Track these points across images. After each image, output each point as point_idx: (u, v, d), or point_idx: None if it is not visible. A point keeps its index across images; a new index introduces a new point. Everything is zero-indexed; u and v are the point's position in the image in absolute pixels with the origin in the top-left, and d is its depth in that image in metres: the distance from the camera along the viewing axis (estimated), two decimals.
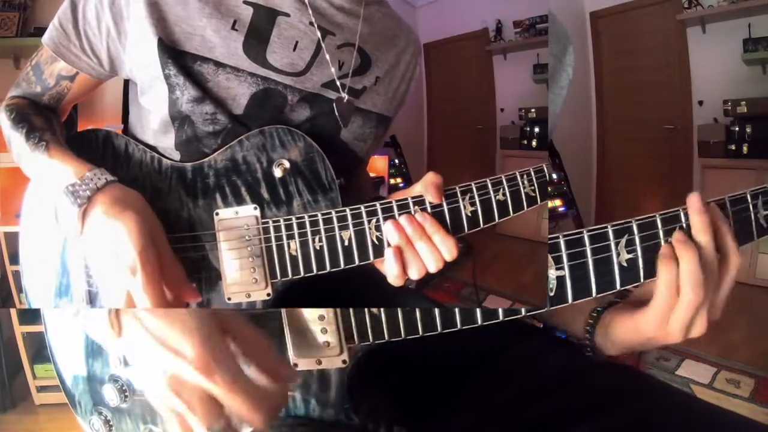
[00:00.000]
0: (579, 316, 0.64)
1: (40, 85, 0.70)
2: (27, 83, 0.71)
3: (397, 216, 0.59)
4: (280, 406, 0.53)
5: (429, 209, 0.59)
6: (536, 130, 3.47)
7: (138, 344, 0.48)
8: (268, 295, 0.62)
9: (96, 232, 0.56)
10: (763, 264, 2.68)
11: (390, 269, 0.58)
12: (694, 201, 0.52)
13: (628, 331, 0.58)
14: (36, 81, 0.70)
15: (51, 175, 0.61)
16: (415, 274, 0.58)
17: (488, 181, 0.60)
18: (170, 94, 0.63)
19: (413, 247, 0.57)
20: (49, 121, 0.68)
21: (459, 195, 0.59)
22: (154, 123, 0.67)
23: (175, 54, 0.62)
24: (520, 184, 0.60)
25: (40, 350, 1.87)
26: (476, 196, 0.59)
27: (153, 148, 0.67)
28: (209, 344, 0.45)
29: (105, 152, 0.68)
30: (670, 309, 0.52)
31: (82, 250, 0.64)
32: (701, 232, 0.51)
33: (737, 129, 2.81)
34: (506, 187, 0.60)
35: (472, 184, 0.60)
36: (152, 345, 0.46)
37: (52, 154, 0.62)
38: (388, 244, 0.59)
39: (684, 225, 0.53)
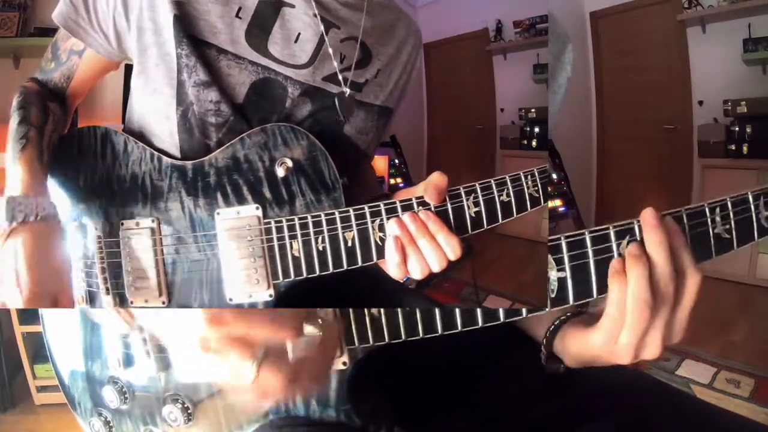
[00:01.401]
0: (542, 323, 0.61)
1: (54, 62, 0.73)
2: (45, 61, 0.74)
3: (401, 216, 0.58)
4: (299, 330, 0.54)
5: (433, 209, 0.58)
6: (536, 130, 3.47)
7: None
8: (270, 296, 0.61)
9: (8, 255, 0.59)
10: (763, 264, 2.68)
11: (390, 257, 0.57)
12: (647, 216, 0.48)
13: (579, 345, 0.55)
14: (52, 57, 0.73)
15: (10, 175, 0.64)
16: (417, 273, 0.56)
17: (492, 181, 0.58)
18: (178, 75, 0.63)
19: (416, 245, 0.56)
20: (46, 116, 0.69)
21: (463, 195, 0.58)
22: (155, 109, 0.66)
23: (187, 34, 0.62)
24: (524, 184, 0.58)
25: (40, 350, 1.87)
26: (480, 197, 0.58)
27: (151, 145, 0.67)
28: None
29: (104, 150, 0.67)
30: (618, 329, 0.49)
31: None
32: (654, 247, 0.48)
33: (737, 129, 2.81)
34: (510, 188, 0.58)
35: (476, 185, 0.58)
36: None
37: (22, 158, 0.64)
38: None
39: (638, 237, 0.49)
